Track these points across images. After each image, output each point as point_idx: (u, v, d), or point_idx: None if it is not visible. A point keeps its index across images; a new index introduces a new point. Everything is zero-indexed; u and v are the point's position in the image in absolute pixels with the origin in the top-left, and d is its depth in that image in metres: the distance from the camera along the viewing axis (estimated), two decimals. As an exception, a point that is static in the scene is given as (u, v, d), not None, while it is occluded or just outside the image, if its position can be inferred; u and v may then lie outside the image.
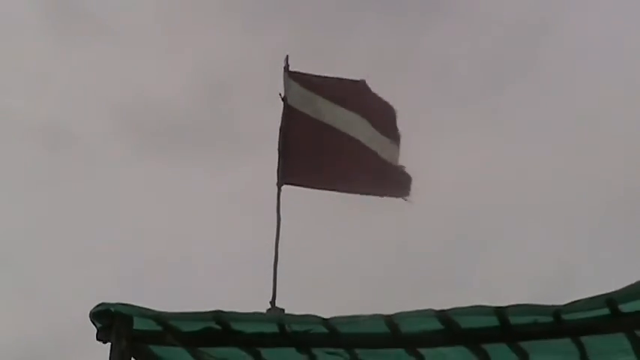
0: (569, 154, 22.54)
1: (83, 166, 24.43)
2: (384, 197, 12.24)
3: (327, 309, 9.64)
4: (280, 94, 11.81)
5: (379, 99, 12.13)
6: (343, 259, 19.99)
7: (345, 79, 11.95)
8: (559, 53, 24.23)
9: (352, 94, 11.90)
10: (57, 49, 25.64)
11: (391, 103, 12.12)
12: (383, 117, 12.10)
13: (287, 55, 11.82)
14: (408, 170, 12.23)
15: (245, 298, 10.57)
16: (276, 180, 11.62)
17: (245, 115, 11.28)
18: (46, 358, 19.86)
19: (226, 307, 9.73)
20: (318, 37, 24.64)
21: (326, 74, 12.20)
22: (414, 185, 12.19)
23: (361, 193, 12.21)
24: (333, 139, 11.86)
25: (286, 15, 25.00)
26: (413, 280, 19.92)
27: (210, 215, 19.96)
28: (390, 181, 12.11)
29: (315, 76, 11.82)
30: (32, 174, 24.43)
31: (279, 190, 11.54)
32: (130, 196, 22.87)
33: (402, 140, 12.18)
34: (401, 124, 12.25)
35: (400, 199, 12.23)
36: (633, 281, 8.71)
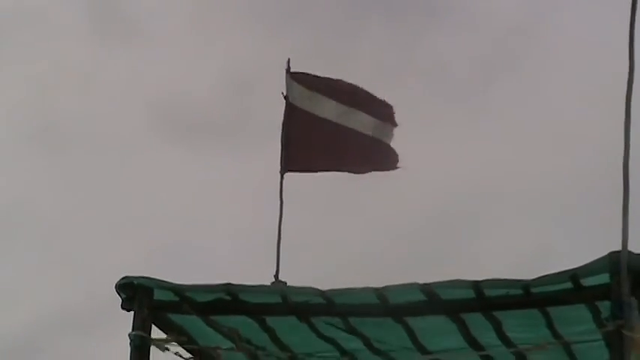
0: (548, 144, 22.59)
1: (120, 154, 24.61)
2: (377, 172, 12.19)
3: (324, 282, 9.77)
4: (283, 93, 11.82)
5: (372, 95, 12.14)
6: (338, 237, 20.14)
7: (342, 80, 11.97)
8: (542, 55, 24.21)
9: (347, 91, 11.90)
10: (99, 50, 25.73)
11: (385, 100, 12.10)
12: (377, 107, 12.06)
13: (288, 59, 11.83)
14: (396, 149, 12.16)
15: (252, 272, 10.70)
16: (279, 168, 11.64)
17: (264, 110, 11.47)
18: (84, 323, 20.12)
19: (235, 280, 9.85)
20: (328, 41, 24.60)
21: (334, 74, 12.19)
22: (404, 165, 12.14)
23: (355, 172, 12.18)
24: (329, 131, 11.78)
25: (301, 21, 25.11)
26: (401, 256, 20.02)
27: (228, 199, 20.09)
28: (381, 155, 12.04)
29: (314, 76, 11.81)
30: (74, 160, 24.64)
31: (282, 177, 11.56)
32: (160, 181, 22.92)
33: (399, 129, 12.14)
34: (398, 115, 12.26)
35: (391, 172, 12.17)
36: (593, 259, 8.85)
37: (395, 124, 12.08)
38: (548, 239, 20.85)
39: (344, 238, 20.17)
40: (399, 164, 12.10)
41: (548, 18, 24.04)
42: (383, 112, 11.97)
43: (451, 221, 22.47)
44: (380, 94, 12.04)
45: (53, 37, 25.52)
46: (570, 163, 21.64)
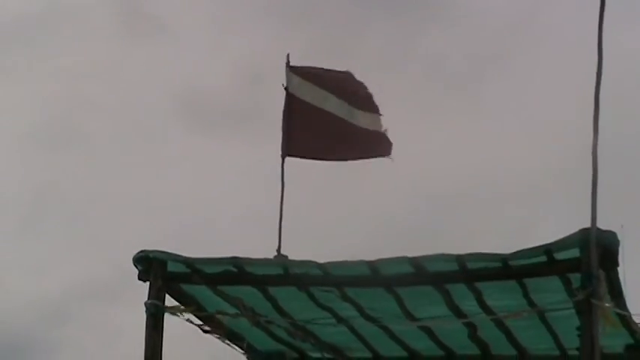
0: (533, 133, 22.64)
1: (145, 139, 24.90)
2: (370, 159, 12.19)
3: (321, 255, 9.82)
4: (283, 84, 11.84)
5: (360, 83, 12.11)
6: (334, 215, 20.25)
7: (334, 70, 11.93)
8: (530, 50, 24.29)
9: (340, 81, 11.78)
10: (127, 46, 26.02)
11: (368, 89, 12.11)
12: (363, 97, 11.99)
13: (288, 54, 11.85)
14: (389, 135, 12.14)
15: (257, 246, 10.79)
16: (280, 153, 11.68)
17: (275, 100, 11.62)
18: (109, 293, 20.30)
19: (242, 254, 9.89)
20: (336, 35, 24.93)
21: (340, 66, 12.17)
22: (395, 153, 12.14)
23: (348, 160, 12.22)
24: (324, 120, 11.77)
25: (311, 18, 25.33)
26: (393, 232, 20.11)
27: (241, 181, 20.19)
28: (373, 144, 12.00)
29: (311, 67, 11.78)
30: (103, 146, 24.85)
31: (283, 161, 11.61)
32: (180, 165, 23.19)
33: (394, 119, 12.05)
34: (380, 101, 12.17)
35: (384, 159, 12.17)
36: (565, 235, 8.91)
37: (379, 113, 12.07)
38: (529, 218, 20.96)
39: (339, 216, 20.33)
40: (390, 152, 12.11)
41: (539, 17, 24.07)
42: (370, 101, 11.97)
43: (443, 202, 22.59)
44: (379, 85, 12.06)
45: (86, 34, 25.87)
46: (551, 150, 21.71)
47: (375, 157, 12.11)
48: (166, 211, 22.11)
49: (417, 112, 23.61)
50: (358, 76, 12.15)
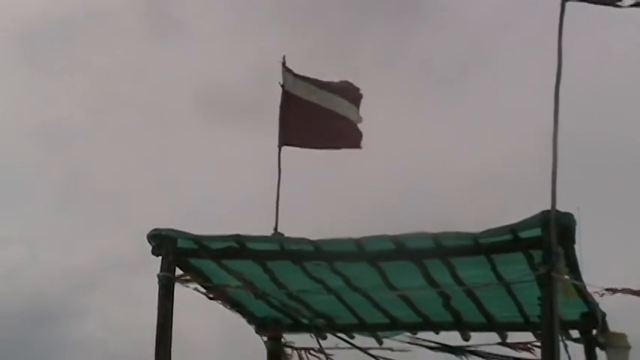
0: (506, 128, 22.65)
1: (168, 129, 25.00)
2: (351, 149, 12.06)
3: (313, 233, 9.87)
4: (279, 82, 11.78)
5: (349, 82, 12.09)
6: (325, 197, 20.28)
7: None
8: (509, 52, 24.26)
9: (334, 83, 11.89)
10: (152, 45, 26.07)
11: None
12: (350, 93, 11.98)
13: (284, 55, 11.78)
14: (361, 127, 12.01)
15: (256, 225, 10.81)
16: (277, 143, 11.62)
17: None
18: (130, 265, 20.31)
19: (243, 232, 9.89)
20: (335, 38, 25.05)
21: (340, 65, 12.17)
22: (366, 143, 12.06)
23: (336, 149, 12.12)
24: (316, 113, 11.68)
25: (315, 22, 25.43)
26: (377, 212, 20.10)
27: (250, 167, 20.18)
28: (349, 134, 11.91)
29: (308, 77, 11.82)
30: (131, 135, 24.97)
31: (280, 150, 11.55)
32: (198, 151, 23.23)
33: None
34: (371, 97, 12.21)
35: (356, 150, 12.07)
36: (528, 216, 9.00)
37: (359, 106, 12.04)
38: (501, 200, 20.97)
39: (329, 198, 20.36)
40: (361, 143, 12.00)
41: (516, 23, 24.03)
42: (353, 95, 11.95)
43: (425, 185, 22.60)
44: (374, 81, 12.00)
45: (117, 36, 26.01)
46: (518, 142, 21.71)
47: (349, 147, 12.03)
48: (184, 192, 22.28)
49: (407, 105, 23.78)
50: (354, 75, 12.12)
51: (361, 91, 11.85)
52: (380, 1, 24.93)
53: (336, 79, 11.94)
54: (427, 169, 22.66)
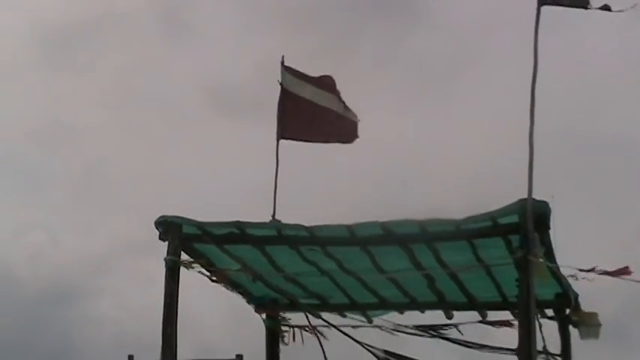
0: (493, 120, 22.67)
1: (180, 122, 25.02)
2: (345, 143, 11.98)
3: (308, 220, 9.86)
4: (278, 80, 11.73)
5: (329, 77, 12.00)
6: (319, 187, 20.29)
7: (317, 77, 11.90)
8: (495, 53, 24.24)
9: (327, 81, 11.86)
10: (165, 45, 26.13)
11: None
12: (332, 86, 11.98)
13: (283, 55, 11.74)
14: (358, 122, 11.89)
15: (256, 212, 10.81)
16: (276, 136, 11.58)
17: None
18: (142, 249, 20.23)
19: (244, 219, 9.90)
20: (336, 38, 25.11)
21: (339, 63, 12.09)
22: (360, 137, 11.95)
23: (329, 142, 12.08)
24: (310, 109, 11.62)
25: (316, 23, 25.38)
26: (368, 201, 20.10)
27: (251, 157, 20.09)
28: (344, 129, 11.80)
29: (304, 74, 11.80)
30: (146, 129, 25.06)
31: (278, 142, 11.50)
32: (208, 143, 23.31)
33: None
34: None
35: (350, 143, 11.97)
36: (507, 204, 9.05)
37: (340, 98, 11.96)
38: (481, 191, 20.98)
39: (323, 187, 20.38)
40: (356, 136, 11.93)
41: (503, 26, 23.95)
42: (334, 88, 11.88)
43: (414, 175, 22.65)
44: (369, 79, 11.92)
45: (133, 37, 26.13)
46: (501, 137, 21.69)
47: (344, 142, 12.02)
48: (192, 181, 22.31)
49: (400, 102, 23.83)
50: (352, 74, 12.04)
51: (337, 85, 11.78)
52: (377, 5, 24.99)
53: (335, 78, 11.88)
54: (418, 162, 22.74)
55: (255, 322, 12.08)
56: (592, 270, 9.58)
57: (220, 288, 11.22)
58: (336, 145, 12.10)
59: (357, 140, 11.92)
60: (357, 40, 25.60)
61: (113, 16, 26.39)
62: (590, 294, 10.53)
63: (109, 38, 26.11)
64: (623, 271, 9.31)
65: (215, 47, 25.23)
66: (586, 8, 8.98)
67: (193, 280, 10.35)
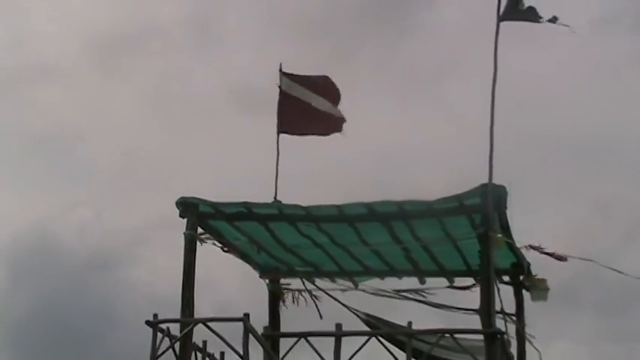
0: (471, 117, 22.64)
1: (208, 118, 25.32)
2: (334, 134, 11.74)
3: (305, 201, 9.91)
4: (277, 84, 11.64)
5: (333, 83, 12.07)
6: (314, 174, 20.28)
7: (315, 75, 11.80)
8: (480, 61, 24.09)
9: (318, 83, 11.81)
10: (197, 53, 26.50)
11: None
12: (333, 94, 11.94)
13: (280, 63, 11.68)
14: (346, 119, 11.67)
15: (261, 194, 10.82)
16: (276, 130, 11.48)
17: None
18: (171, 226, 20.25)
19: (250, 199, 9.93)
20: (339, 46, 25.29)
21: (342, 69, 11.96)
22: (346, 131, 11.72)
23: (323, 135, 11.86)
24: (305, 108, 11.48)
25: (325, 35, 25.68)
26: (356, 184, 20.11)
27: (264, 148, 20.13)
28: (335, 125, 11.65)
29: (297, 75, 11.80)
30: (176, 124, 25.26)
31: (278, 136, 11.40)
32: (232, 136, 23.43)
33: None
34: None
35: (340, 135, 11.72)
36: (471, 188, 9.09)
37: (337, 102, 11.91)
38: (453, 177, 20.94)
39: (318, 174, 20.38)
40: (341, 130, 11.73)
41: (483, 36, 23.86)
42: (335, 95, 11.86)
43: (399, 163, 22.69)
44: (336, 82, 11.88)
45: (169, 46, 26.47)
46: (475, 132, 21.59)
47: (331, 133, 11.89)
48: (216, 167, 22.50)
49: (395, 101, 23.96)
50: (354, 76, 11.96)
51: (339, 89, 11.74)
52: (375, 18, 25.04)
53: (337, 81, 11.85)
54: (403, 150, 22.77)
55: (260, 287, 12.05)
56: (537, 248, 9.86)
57: (231, 257, 11.23)
58: (326, 137, 11.96)
59: (351, 135, 11.89)
60: (359, 47, 25.83)
61: (154, 28, 26.81)
62: (541, 263, 10.51)
63: (148, 46, 26.54)
64: (560, 257, 9.69)
65: (240, 54, 25.54)
66: (538, 22, 9.05)
67: (211, 251, 10.39)
